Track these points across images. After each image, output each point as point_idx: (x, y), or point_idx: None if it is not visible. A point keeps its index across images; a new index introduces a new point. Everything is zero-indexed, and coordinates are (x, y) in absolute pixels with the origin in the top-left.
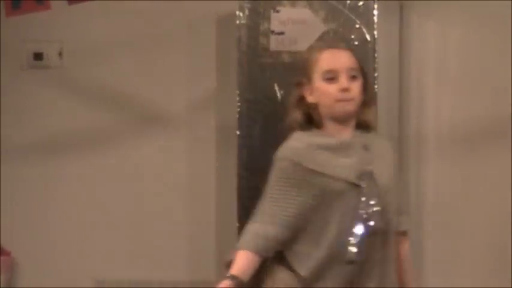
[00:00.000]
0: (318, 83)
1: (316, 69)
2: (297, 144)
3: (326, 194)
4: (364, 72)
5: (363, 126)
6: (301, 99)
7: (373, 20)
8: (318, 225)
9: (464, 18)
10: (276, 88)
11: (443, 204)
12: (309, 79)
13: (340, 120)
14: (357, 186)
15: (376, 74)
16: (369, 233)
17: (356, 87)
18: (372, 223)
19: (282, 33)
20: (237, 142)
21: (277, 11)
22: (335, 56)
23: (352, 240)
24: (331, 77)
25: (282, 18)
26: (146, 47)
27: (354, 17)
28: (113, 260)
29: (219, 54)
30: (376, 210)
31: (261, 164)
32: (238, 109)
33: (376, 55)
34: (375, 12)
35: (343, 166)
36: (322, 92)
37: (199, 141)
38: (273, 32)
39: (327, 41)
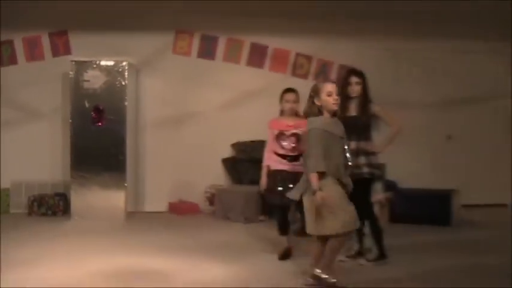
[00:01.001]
0: (324, 96)
1: (323, 90)
2: (320, 121)
3: (334, 142)
4: (340, 92)
5: (334, 114)
6: (314, 103)
7: (125, 75)
8: (331, 155)
9: (162, 76)
10: (86, 103)
11: (156, 151)
12: (318, 94)
13: (331, 112)
14: (343, 138)
15: (126, 102)
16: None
17: (339, 99)
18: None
19: (88, 81)
20: (71, 125)
21: (87, 72)
22: (332, 85)
23: (348, 158)
24: (330, 94)
25: (88, 74)
26: (37, 85)
27: (117, 74)
28: (23, 167)
29: (64, 89)
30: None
31: (80, 135)
32: (70, 111)
33: (126, 91)
34: (126, 72)
35: (338, 130)
36: (326, 101)
37: (55, 124)
38: (84, 80)
39: (328, 79)
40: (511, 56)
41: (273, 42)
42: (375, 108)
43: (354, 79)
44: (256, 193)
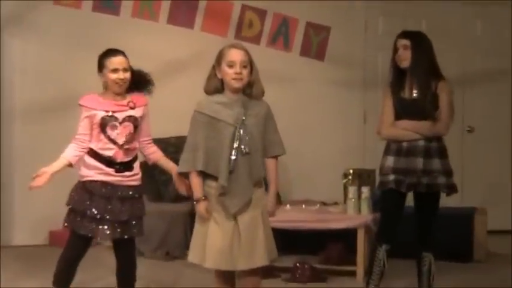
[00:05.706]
0: (223, 67)
1: (223, 60)
2: (207, 101)
3: (219, 130)
4: (252, 63)
5: (249, 95)
6: (214, 75)
7: None
8: (216, 150)
9: (39, 38)
10: None
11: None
12: (219, 65)
13: (233, 90)
14: (234, 126)
15: None
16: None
17: (245, 72)
18: (246, 149)
19: None
20: None
21: None
22: (235, 52)
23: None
24: (231, 65)
25: None
26: None
27: None
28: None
29: None
30: (248, 141)
31: None
32: None
33: None
34: None
35: (228, 115)
36: (225, 73)
37: None
38: None
39: (232, 42)
40: None
41: None
42: (440, 85)
43: (402, 42)
44: None
